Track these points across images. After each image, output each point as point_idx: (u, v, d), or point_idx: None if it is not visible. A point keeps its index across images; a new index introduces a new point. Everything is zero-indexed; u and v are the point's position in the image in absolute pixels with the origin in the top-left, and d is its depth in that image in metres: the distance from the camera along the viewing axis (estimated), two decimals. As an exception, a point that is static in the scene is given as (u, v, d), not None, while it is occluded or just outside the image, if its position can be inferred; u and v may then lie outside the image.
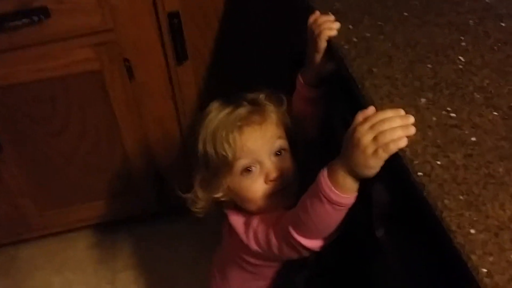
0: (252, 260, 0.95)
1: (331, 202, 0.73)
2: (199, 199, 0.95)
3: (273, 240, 0.85)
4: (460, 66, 0.75)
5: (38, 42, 1.25)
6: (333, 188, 0.72)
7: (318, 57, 0.87)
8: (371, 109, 0.70)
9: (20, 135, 1.41)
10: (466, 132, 0.66)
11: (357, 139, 0.68)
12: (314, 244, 0.80)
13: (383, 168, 0.68)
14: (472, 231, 0.55)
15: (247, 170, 0.89)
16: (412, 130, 0.66)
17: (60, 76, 1.31)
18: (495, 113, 0.68)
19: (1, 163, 1.43)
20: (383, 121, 0.67)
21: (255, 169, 0.89)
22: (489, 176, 0.61)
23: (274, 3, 1.34)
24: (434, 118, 0.68)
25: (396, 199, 0.69)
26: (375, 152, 0.66)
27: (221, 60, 1.41)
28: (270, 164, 0.89)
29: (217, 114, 0.91)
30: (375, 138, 0.66)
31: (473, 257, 0.53)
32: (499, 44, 0.78)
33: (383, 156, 0.66)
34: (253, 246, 0.89)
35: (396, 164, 0.66)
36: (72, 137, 1.44)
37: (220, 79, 1.43)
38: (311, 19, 0.89)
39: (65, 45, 1.27)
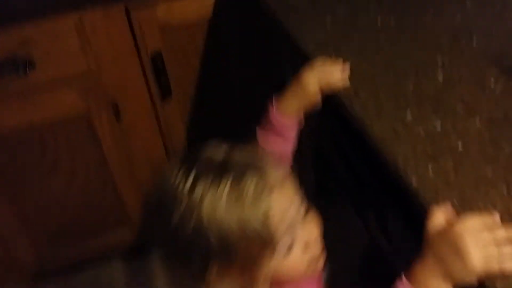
0: None
1: None
2: None
3: None
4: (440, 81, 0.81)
5: (25, 91, 1.27)
6: None
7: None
8: (449, 207, 0.63)
9: (10, 181, 1.42)
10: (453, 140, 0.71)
11: (460, 241, 0.57)
12: None
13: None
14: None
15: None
16: None
17: (48, 123, 1.33)
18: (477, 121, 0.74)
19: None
20: (487, 229, 0.58)
21: (292, 241, 0.70)
22: (478, 178, 0.66)
23: (251, 38, 1.39)
24: (421, 131, 0.73)
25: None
26: (486, 261, 0.57)
27: (205, 94, 1.45)
28: (304, 229, 0.71)
29: (215, 194, 0.66)
30: (484, 246, 0.57)
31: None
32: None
33: (495, 268, 0.57)
34: None
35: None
36: (63, 177, 1.46)
37: (205, 113, 1.47)
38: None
39: (51, 92, 1.29)
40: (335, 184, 0.86)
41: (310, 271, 0.74)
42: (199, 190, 0.66)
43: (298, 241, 0.70)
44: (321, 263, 0.75)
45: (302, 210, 0.71)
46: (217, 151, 0.71)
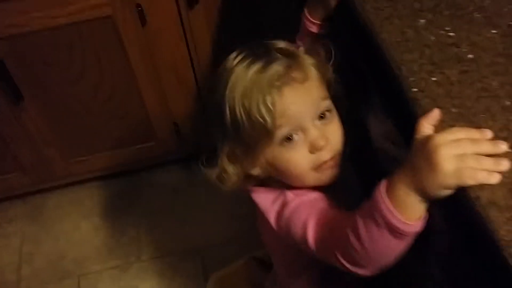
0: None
1: (392, 229, 0.58)
2: (229, 175, 0.81)
3: (311, 241, 0.72)
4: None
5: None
6: (395, 211, 0.57)
7: None
8: (435, 112, 0.59)
9: (39, 84, 1.44)
10: (464, 50, 0.66)
11: (434, 151, 0.54)
12: (364, 272, 0.66)
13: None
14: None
15: (288, 139, 0.76)
16: (505, 166, 0.53)
17: (74, 23, 1.33)
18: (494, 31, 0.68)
19: (23, 111, 1.47)
20: (470, 140, 0.55)
21: (298, 137, 0.76)
22: (482, 90, 0.62)
23: None
24: (432, 37, 0.69)
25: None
26: (458, 172, 0.53)
27: (232, 2, 1.41)
28: (315, 131, 0.75)
29: (245, 71, 0.75)
30: (460, 156, 0.53)
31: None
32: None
33: (467, 181, 0.53)
34: (281, 233, 0.78)
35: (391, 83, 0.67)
36: (90, 85, 1.48)
37: (232, 22, 1.44)
38: None
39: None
40: (344, 94, 0.84)
41: (317, 177, 0.77)
42: (233, 65, 0.77)
43: (306, 138, 0.76)
44: (330, 173, 0.78)
45: (319, 112, 0.76)
46: (271, 41, 0.80)
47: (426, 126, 0.58)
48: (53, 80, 1.45)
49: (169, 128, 1.64)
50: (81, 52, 1.40)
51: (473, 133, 0.56)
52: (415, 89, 0.63)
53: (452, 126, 0.59)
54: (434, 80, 0.63)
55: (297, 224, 0.74)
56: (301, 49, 0.81)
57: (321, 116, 0.77)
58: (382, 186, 0.59)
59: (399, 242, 0.59)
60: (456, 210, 0.56)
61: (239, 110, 0.74)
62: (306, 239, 0.72)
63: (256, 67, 0.74)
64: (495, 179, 0.52)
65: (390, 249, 0.61)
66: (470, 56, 0.65)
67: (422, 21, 0.71)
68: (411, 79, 0.64)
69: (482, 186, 0.53)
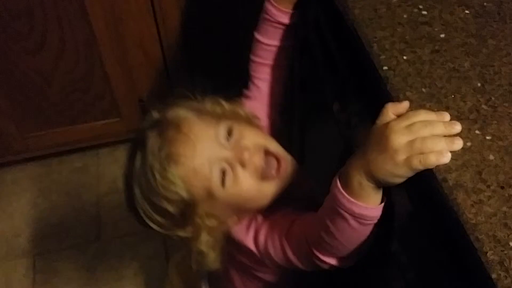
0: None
1: (355, 216, 0.59)
2: (209, 254, 0.77)
3: (292, 257, 0.72)
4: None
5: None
6: (352, 199, 0.58)
7: None
8: (404, 104, 0.57)
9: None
10: (436, 29, 0.65)
11: (386, 138, 0.54)
12: (345, 262, 0.68)
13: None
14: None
15: (222, 177, 0.73)
16: (459, 145, 0.53)
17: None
18: (467, 11, 0.67)
19: (-22, 82, 1.41)
20: (423, 123, 0.54)
21: (226, 167, 0.73)
22: (453, 70, 0.60)
23: None
24: (405, 15, 0.67)
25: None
26: (408, 159, 0.52)
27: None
28: (232, 152, 0.73)
29: (132, 167, 0.74)
30: (410, 143, 0.53)
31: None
32: None
33: (417, 167, 0.52)
34: (263, 257, 0.76)
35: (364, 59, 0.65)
36: (51, 55, 1.42)
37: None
38: None
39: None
40: (318, 80, 0.81)
41: (271, 186, 0.75)
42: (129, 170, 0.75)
43: (233, 165, 0.73)
44: (279, 177, 0.75)
45: (223, 136, 0.74)
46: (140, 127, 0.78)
47: (390, 114, 0.57)
48: (12, 50, 1.38)
49: (134, 105, 1.59)
50: (43, 21, 1.34)
51: (429, 115, 0.55)
52: (385, 67, 0.61)
53: (422, 106, 0.57)
54: (405, 59, 0.61)
55: (276, 248, 0.73)
56: (168, 108, 0.78)
57: (228, 134, 0.75)
58: (336, 184, 0.59)
59: (366, 228, 0.61)
60: (422, 191, 0.55)
61: (158, 204, 0.72)
62: (288, 257, 0.72)
63: (138, 158, 0.73)
64: (446, 159, 0.52)
65: (360, 235, 0.62)
66: (442, 35, 0.64)
67: (396, -2, 0.69)
68: (382, 57, 0.62)
69: (449, 168, 0.51)
